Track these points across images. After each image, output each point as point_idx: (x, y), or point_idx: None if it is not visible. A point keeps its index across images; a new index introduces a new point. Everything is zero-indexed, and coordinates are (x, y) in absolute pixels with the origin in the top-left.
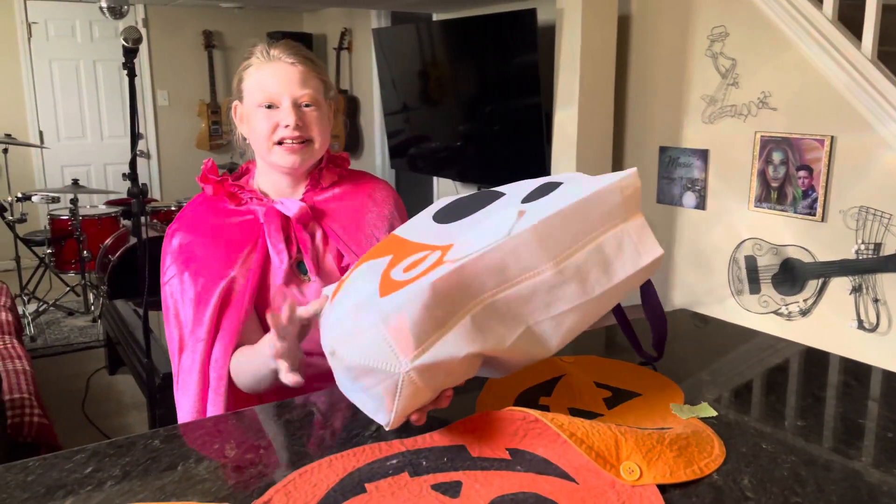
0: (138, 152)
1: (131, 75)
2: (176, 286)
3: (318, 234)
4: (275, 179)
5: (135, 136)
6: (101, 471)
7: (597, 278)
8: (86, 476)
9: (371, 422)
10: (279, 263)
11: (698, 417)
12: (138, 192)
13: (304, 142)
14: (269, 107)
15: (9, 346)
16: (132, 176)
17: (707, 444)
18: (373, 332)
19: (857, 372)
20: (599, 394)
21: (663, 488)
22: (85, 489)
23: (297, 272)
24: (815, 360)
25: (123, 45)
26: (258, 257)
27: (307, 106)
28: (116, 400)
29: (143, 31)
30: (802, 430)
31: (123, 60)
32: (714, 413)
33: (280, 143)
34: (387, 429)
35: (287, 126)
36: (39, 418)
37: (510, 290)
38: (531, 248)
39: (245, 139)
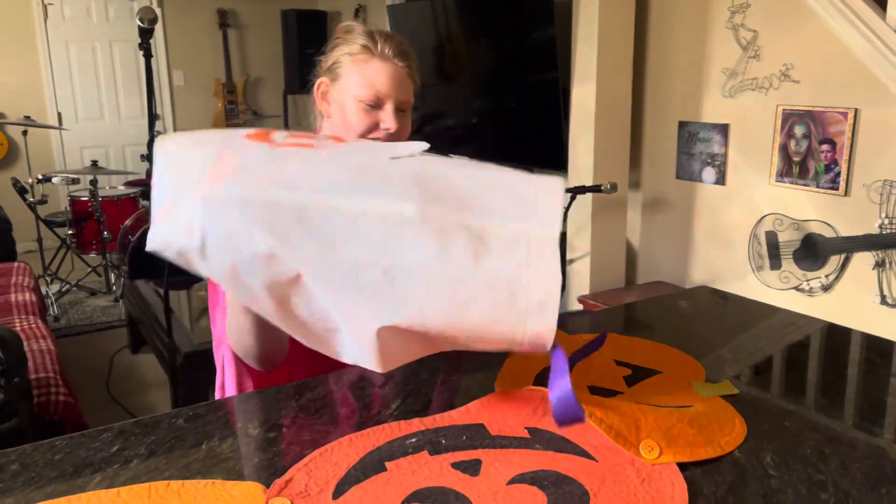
0: (155, 133)
1: (147, 56)
2: None
3: None
4: None
5: (152, 117)
6: (127, 449)
7: (461, 253)
8: (112, 454)
9: (391, 401)
10: None
11: (720, 395)
12: None
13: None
14: (372, 105)
15: (33, 326)
16: (150, 157)
17: (728, 421)
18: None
19: (879, 348)
20: (620, 372)
21: (684, 466)
22: (112, 467)
23: None
24: (837, 336)
25: (139, 26)
26: None
27: (403, 111)
28: (139, 378)
29: (158, 12)
30: (825, 407)
31: (139, 41)
32: (736, 391)
33: (374, 137)
34: None
35: (387, 129)
36: (65, 397)
37: (351, 199)
38: (404, 180)
39: (322, 116)
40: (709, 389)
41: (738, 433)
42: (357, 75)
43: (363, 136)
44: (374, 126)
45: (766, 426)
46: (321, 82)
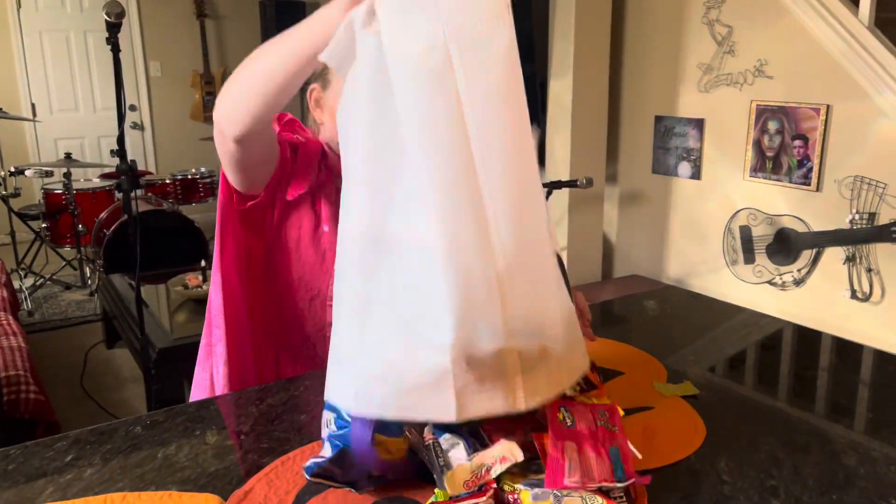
0: (132, 124)
1: (115, 50)
2: None
3: None
4: None
5: (122, 113)
6: (81, 458)
7: None
8: (66, 464)
9: None
10: (302, 184)
11: (680, 396)
12: (127, 169)
13: None
14: None
15: (3, 322)
16: (120, 153)
17: (689, 424)
18: None
19: (842, 350)
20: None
21: (644, 473)
22: (65, 477)
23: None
24: (802, 337)
25: (106, 20)
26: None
27: None
28: (115, 374)
29: (134, 1)
30: (783, 411)
31: (107, 35)
32: (696, 391)
33: None
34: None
35: None
36: (36, 395)
37: None
38: None
39: (317, 122)
40: (670, 390)
41: (697, 436)
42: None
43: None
44: None
45: (723, 430)
46: (313, 89)
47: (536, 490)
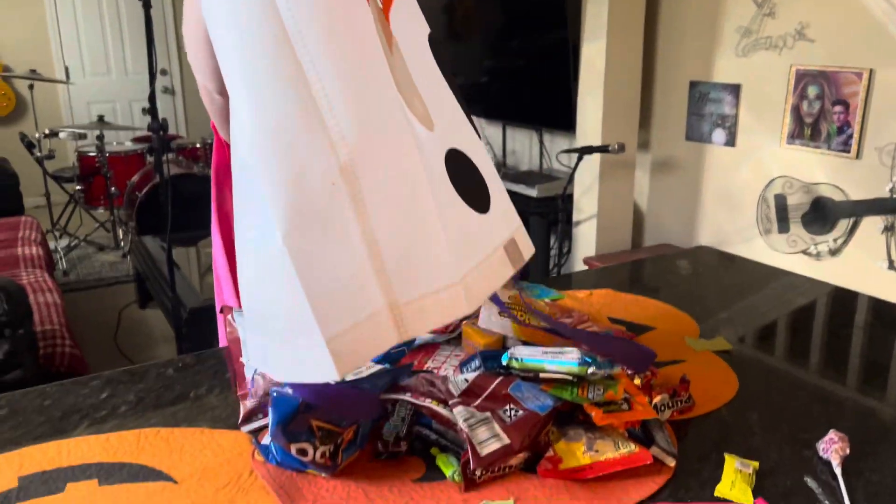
0: (162, 88)
1: (147, 6)
2: None
3: None
4: None
5: (153, 71)
6: (115, 396)
7: None
8: (101, 401)
9: None
10: None
11: (713, 351)
12: (158, 128)
13: None
14: None
15: (39, 279)
16: (152, 111)
17: (721, 377)
18: None
19: (880, 311)
20: (614, 329)
21: (673, 423)
22: (100, 413)
23: None
24: (838, 298)
25: None
26: None
27: None
28: (147, 333)
29: None
30: (817, 368)
31: None
32: (729, 346)
33: None
34: None
35: None
36: (71, 349)
37: None
38: None
39: None
40: (702, 344)
41: (729, 389)
42: None
43: None
44: None
45: (756, 385)
46: None
47: (570, 431)
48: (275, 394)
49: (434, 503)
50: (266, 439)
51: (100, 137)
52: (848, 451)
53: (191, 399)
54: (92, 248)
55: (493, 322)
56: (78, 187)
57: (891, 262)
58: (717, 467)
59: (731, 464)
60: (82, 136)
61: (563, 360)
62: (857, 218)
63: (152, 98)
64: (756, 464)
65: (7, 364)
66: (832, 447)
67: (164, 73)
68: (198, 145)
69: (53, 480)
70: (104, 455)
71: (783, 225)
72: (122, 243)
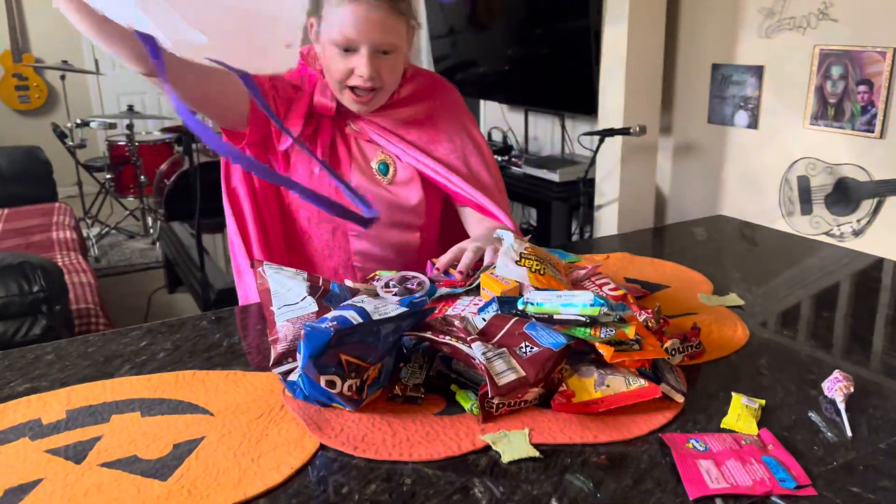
0: None
1: None
2: None
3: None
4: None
5: None
6: (154, 344)
7: None
8: (141, 348)
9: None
10: (287, 137)
11: (725, 306)
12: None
13: (375, 89)
14: (346, 49)
15: (74, 261)
16: None
17: (730, 328)
18: None
19: (890, 268)
20: (630, 290)
21: (683, 368)
22: (140, 359)
23: (378, 174)
24: (850, 257)
25: None
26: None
27: (385, 53)
28: (176, 315)
29: None
30: (826, 320)
31: None
32: (741, 302)
33: (351, 87)
34: None
35: (361, 77)
36: (105, 326)
37: None
38: None
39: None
40: (715, 300)
41: (739, 338)
42: (333, 17)
43: (341, 82)
44: (350, 72)
45: (766, 335)
46: (311, 22)
47: (582, 367)
48: (308, 328)
49: (454, 432)
50: (294, 376)
51: (129, 126)
52: (852, 389)
53: (224, 347)
54: (122, 235)
55: (511, 271)
56: (108, 176)
57: None
58: (724, 404)
59: (738, 400)
60: (112, 126)
61: (575, 302)
62: (881, 198)
63: None
64: (762, 401)
65: (45, 339)
66: (837, 385)
67: None
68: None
69: (99, 413)
70: (145, 392)
71: (806, 206)
72: (152, 230)
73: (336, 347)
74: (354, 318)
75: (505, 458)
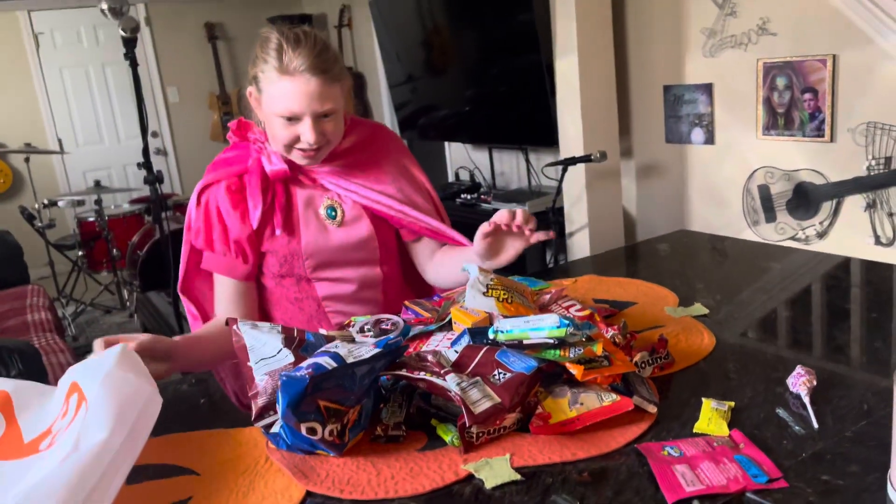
0: (154, 150)
1: (134, 65)
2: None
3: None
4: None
5: (144, 125)
6: None
7: None
8: None
9: None
10: (254, 209)
11: (691, 316)
12: (154, 179)
13: (321, 147)
14: (290, 119)
15: (51, 342)
16: (146, 164)
17: (697, 336)
18: None
19: (846, 266)
20: (598, 310)
21: (654, 380)
22: None
23: (325, 216)
24: (809, 258)
25: (122, 36)
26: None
27: (326, 116)
28: (160, 384)
29: (147, 30)
30: (789, 320)
31: (125, 51)
32: (706, 311)
33: (299, 148)
34: None
35: (307, 141)
36: None
37: None
38: None
39: (261, 122)
40: (680, 312)
41: (706, 346)
42: (272, 92)
43: (288, 146)
44: (297, 138)
45: (732, 339)
46: (251, 91)
47: (556, 388)
48: (284, 378)
49: (437, 466)
50: (276, 427)
51: (98, 202)
52: (815, 382)
53: (205, 407)
54: (99, 311)
55: (480, 302)
56: (80, 253)
57: (877, 237)
58: (696, 410)
59: (708, 405)
60: (80, 203)
61: (543, 326)
62: (840, 199)
63: (146, 152)
64: (732, 403)
65: None
66: (800, 380)
67: (154, 135)
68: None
69: None
70: None
71: (769, 214)
72: (128, 303)
73: (313, 394)
74: (329, 363)
75: (488, 485)
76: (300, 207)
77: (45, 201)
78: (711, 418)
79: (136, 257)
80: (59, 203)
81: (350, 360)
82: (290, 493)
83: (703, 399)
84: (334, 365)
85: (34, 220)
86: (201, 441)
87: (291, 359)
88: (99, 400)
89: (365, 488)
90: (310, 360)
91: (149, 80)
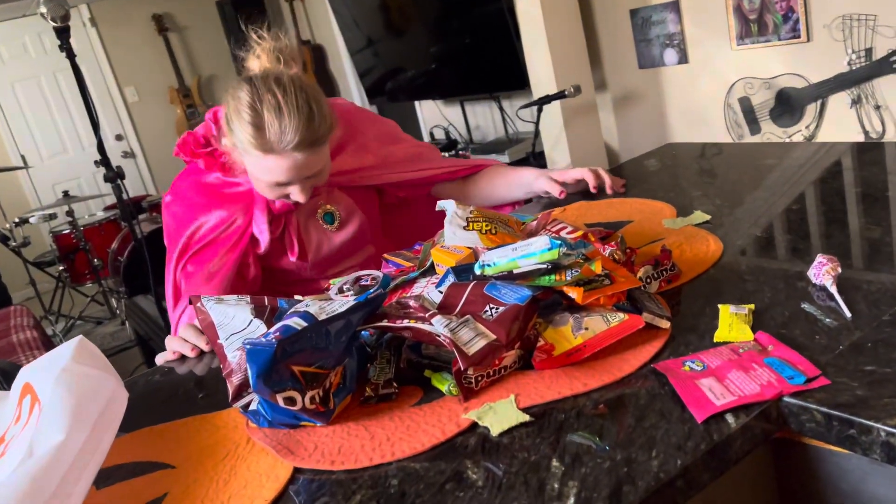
0: (122, 153)
1: (71, 56)
2: (172, 270)
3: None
4: None
5: (94, 120)
6: None
7: None
8: None
9: None
10: (262, 242)
11: (692, 224)
12: (114, 175)
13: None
14: (278, 184)
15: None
16: (104, 161)
17: (702, 243)
18: None
19: (850, 151)
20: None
21: (662, 294)
22: None
23: (323, 222)
24: (807, 149)
25: (54, 27)
26: (247, 231)
27: (315, 176)
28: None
29: (93, 31)
30: (798, 212)
31: (59, 43)
32: (707, 217)
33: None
34: None
35: (298, 201)
36: None
37: None
38: None
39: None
40: (680, 222)
41: (714, 251)
42: (254, 162)
43: (277, 201)
44: (286, 196)
45: (741, 240)
46: (227, 148)
47: (556, 317)
48: (248, 346)
49: (436, 420)
50: (254, 405)
51: (70, 213)
52: (840, 269)
53: (180, 395)
54: (89, 324)
55: (460, 238)
56: (61, 268)
57: (865, 132)
58: (713, 319)
59: (726, 311)
60: (53, 217)
61: (533, 251)
62: (824, 99)
63: (101, 147)
64: (751, 306)
65: None
66: (823, 269)
67: (119, 138)
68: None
69: None
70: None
71: (754, 126)
72: (118, 311)
73: (285, 360)
74: (298, 323)
75: (494, 431)
76: (301, 224)
77: (17, 220)
78: (732, 324)
79: (119, 263)
80: (31, 219)
81: (322, 316)
82: (276, 472)
83: (720, 305)
84: (304, 324)
85: (8, 241)
86: (175, 432)
87: (264, 329)
88: (54, 400)
89: (358, 455)
90: (278, 324)
91: (104, 83)
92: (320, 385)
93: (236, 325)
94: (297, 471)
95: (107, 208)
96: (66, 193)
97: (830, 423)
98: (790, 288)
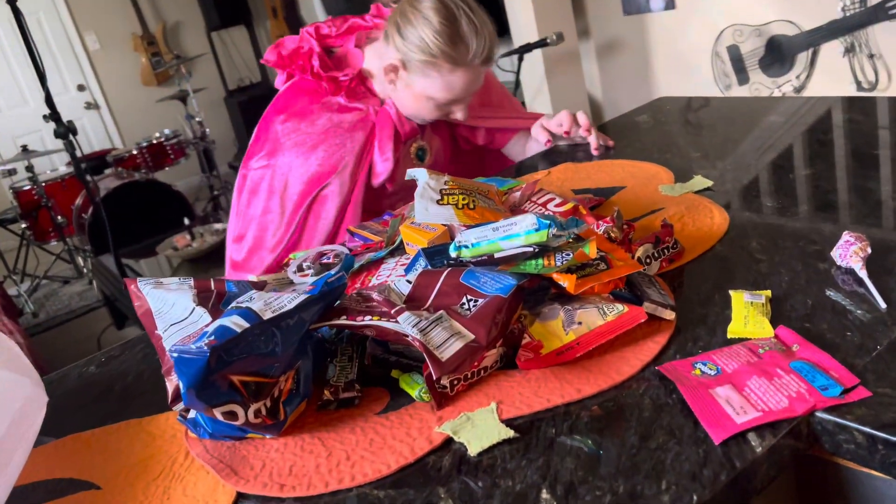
0: (85, 105)
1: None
2: (268, 177)
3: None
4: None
5: (41, 71)
6: None
7: None
8: None
9: None
10: (382, 170)
11: (692, 192)
12: (66, 131)
13: None
14: (447, 104)
15: None
16: (53, 116)
17: (705, 214)
18: None
19: (861, 106)
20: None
21: (664, 276)
22: None
23: (416, 160)
24: (811, 107)
25: None
26: (366, 157)
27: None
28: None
29: None
30: (811, 178)
31: None
32: (709, 183)
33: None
34: None
35: (459, 119)
36: None
37: None
38: None
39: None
40: (679, 189)
41: (719, 224)
42: (437, 81)
43: (431, 117)
44: (445, 115)
45: (750, 210)
46: (393, 66)
47: (544, 309)
48: (175, 353)
49: (404, 433)
50: (192, 412)
51: (30, 168)
52: (869, 250)
53: (116, 392)
54: (56, 283)
55: (433, 213)
56: (24, 225)
57: (858, 83)
58: (724, 308)
59: (740, 299)
60: (13, 173)
61: (517, 231)
62: (816, 48)
63: (49, 100)
64: (768, 292)
65: None
66: (850, 249)
67: (81, 88)
68: (134, 152)
69: None
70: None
71: (742, 76)
72: (84, 270)
73: (221, 369)
74: (238, 323)
75: (472, 450)
76: (402, 154)
77: None
78: (748, 316)
79: (84, 221)
80: None
81: (268, 314)
82: (216, 497)
83: (731, 292)
84: (245, 325)
85: None
86: (105, 441)
87: (208, 319)
88: None
89: (312, 478)
90: (215, 323)
91: (63, 29)
92: (266, 396)
93: (176, 313)
94: (240, 496)
95: (69, 163)
96: (24, 148)
97: (874, 445)
98: (811, 270)
